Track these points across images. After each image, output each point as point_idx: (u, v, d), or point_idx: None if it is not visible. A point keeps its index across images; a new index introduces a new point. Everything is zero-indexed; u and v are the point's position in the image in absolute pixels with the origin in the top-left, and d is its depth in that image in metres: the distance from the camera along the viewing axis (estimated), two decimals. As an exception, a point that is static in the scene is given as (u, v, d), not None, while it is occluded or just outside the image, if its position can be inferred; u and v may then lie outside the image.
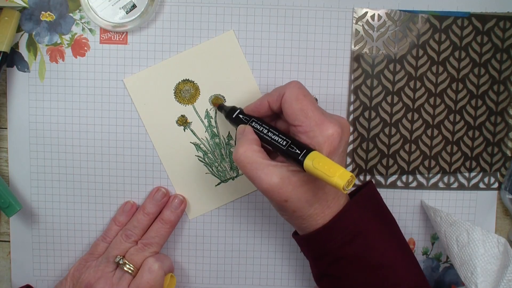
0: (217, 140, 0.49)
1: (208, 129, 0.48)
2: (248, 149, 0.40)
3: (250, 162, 0.40)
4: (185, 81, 0.47)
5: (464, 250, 0.45)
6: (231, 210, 0.51)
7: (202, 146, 0.49)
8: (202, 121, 0.48)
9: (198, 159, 0.49)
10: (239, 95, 0.49)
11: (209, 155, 0.49)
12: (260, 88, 0.49)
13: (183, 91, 0.47)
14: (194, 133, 0.48)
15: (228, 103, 0.49)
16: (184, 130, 0.48)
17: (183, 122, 0.47)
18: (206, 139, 0.49)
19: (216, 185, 0.50)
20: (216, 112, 0.49)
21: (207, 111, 0.48)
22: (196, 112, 0.49)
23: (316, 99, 0.48)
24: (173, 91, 0.48)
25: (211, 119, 0.48)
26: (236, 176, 0.50)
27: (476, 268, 0.44)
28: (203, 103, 0.49)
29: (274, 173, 0.39)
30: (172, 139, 0.49)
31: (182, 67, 0.48)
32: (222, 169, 0.50)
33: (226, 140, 0.49)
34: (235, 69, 0.48)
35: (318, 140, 0.39)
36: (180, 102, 0.48)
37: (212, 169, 0.50)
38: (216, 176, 0.50)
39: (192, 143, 0.49)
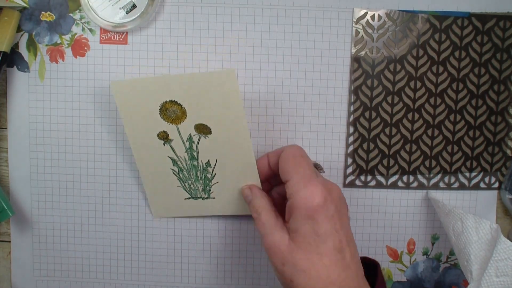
0: (195, 163, 0.47)
1: (188, 151, 0.46)
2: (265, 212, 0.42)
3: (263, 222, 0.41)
4: (173, 102, 0.44)
5: (460, 238, 0.45)
6: (231, 210, 0.51)
7: (179, 163, 0.47)
8: (184, 143, 0.46)
9: (173, 172, 0.48)
10: (226, 132, 0.45)
11: (185, 172, 0.47)
12: (260, 88, 0.49)
13: (169, 110, 0.44)
14: (173, 150, 0.46)
15: (214, 135, 0.45)
16: (164, 144, 0.46)
17: (164, 137, 0.45)
18: (185, 158, 0.47)
19: (185, 199, 0.49)
20: (199, 139, 0.46)
21: (190, 136, 0.46)
22: (179, 133, 0.46)
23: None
24: (159, 108, 0.45)
25: (192, 144, 0.46)
26: (207, 198, 0.49)
27: (470, 256, 0.43)
28: (188, 128, 0.45)
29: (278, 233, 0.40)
30: (150, 149, 0.47)
31: (173, 88, 0.44)
32: (194, 188, 0.48)
33: (204, 166, 0.47)
34: (228, 108, 0.44)
35: (300, 194, 0.38)
36: (165, 120, 0.45)
37: (185, 185, 0.48)
38: (187, 192, 0.49)
39: (170, 157, 0.47)
